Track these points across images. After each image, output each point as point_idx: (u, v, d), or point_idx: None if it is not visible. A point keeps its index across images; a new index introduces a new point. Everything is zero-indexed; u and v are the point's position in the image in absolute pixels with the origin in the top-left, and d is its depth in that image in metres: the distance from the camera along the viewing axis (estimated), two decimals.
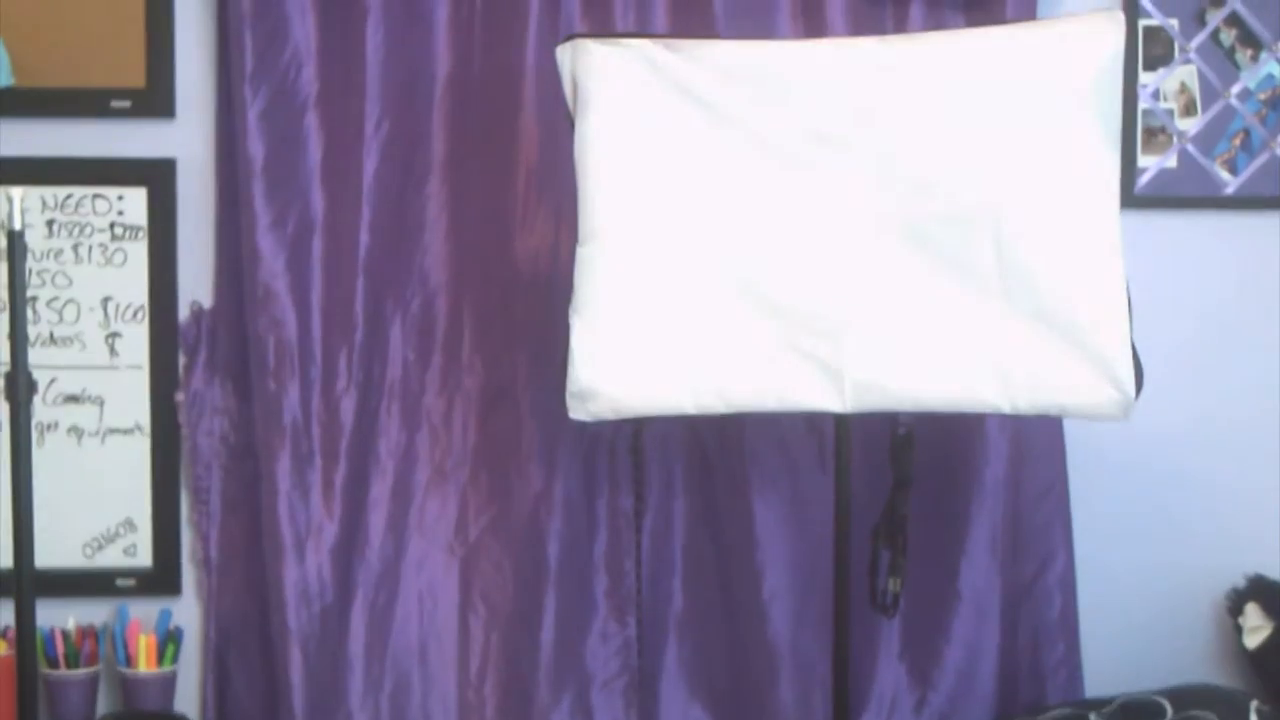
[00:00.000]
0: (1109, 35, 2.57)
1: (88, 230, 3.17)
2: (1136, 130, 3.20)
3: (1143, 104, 3.21)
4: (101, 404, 3.19)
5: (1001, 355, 2.56)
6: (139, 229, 3.17)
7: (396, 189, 3.13)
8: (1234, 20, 3.20)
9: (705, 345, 2.62)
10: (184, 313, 3.18)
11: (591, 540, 3.17)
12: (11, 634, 2.88)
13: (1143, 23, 3.19)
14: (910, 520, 2.89)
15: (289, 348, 3.10)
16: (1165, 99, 3.21)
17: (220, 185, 3.16)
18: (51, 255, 3.17)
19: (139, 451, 3.19)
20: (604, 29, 3.09)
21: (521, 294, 3.13)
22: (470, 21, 3.13)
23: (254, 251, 3.08)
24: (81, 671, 3.10)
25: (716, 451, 3.15)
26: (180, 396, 3.17)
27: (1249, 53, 3.21)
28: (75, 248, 3.17)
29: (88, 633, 3.13)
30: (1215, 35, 3.20)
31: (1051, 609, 3.17)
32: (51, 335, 3.17)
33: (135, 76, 3.15)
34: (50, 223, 3.17)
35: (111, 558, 3.21)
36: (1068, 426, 3.15)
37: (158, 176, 3.16)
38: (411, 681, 3.17)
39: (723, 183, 2.62)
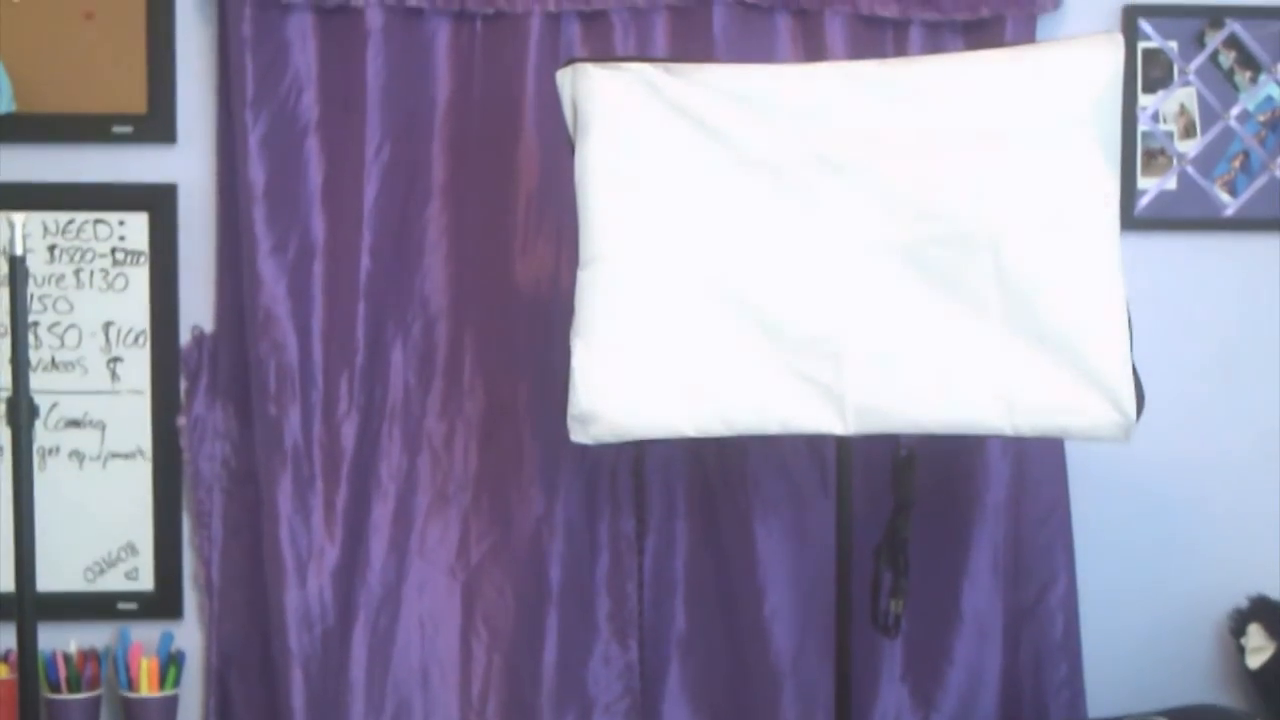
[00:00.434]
0: (1108, 58, 2.58)
1: (89, 255, 3.17)
2: (1136, 152, 3.21)
3: (1142, 126, 3.21)
4: (103, 428, 3.19)
5: (1002, 378, 2.56)
6: (140, 254, 3.18)
7: (397, 213, 3.14)
8: (1233, 42, 3.21)
9: (706, 368, 2.62)
10: (185, 337, 3.19)
11: (593, 563, 3.17)
12: (13, 657, 2.88)
13: (1142, 45, 3.20)
14: (912, 542, 2.89)
15: (290, 372, 3.10)
16: (1165, 121, 3.22)
17: (221, 210, 3.17)
18: (53, 280, 3.17)
19: (141, 476, 3.20)
20: (604, 53, 3.10)
21: (522, 317, 3.14)
22: (470, 46, 3.14)
23: (255, 276, 3.09)
24: (83, 695, 3.10)
25: (718, 474, 3.15)
26: (182, 421, 3.17)
27: (1248, 75, 3.22)
28: (77, 273, 3.17)
29: (89, 656, 3.13)
30: (1214, 57, 3.21)
31: (1054, 630, 3.17)
32: (53, 360, 3.17)
33: (137, 102, 3.16)
34: (52, 248, 3.17)
35: (113, 581, 3.20)
36: (1069, 448, 3.15)
37: (159, 202, 3.17)
38: (413, 705, 3.16)
39: (723, 206, 2.63)
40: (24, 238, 2.59)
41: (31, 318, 3.11)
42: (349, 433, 3.13)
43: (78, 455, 3.19)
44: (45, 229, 3.16)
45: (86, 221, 3.17)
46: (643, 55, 3.10)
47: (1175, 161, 3.22)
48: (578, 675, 3.16)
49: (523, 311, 3.13)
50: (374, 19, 3.09)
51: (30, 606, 2.61)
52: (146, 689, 3.11)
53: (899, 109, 2.59)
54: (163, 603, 3.21)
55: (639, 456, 3.06)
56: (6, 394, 2.62)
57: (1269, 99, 3.22)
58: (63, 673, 3.09)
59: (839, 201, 2.60)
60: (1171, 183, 3.23)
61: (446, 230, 3.16)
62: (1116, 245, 2.56)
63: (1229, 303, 3.25)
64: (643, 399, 2.62)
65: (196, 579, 3.21)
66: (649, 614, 3.17)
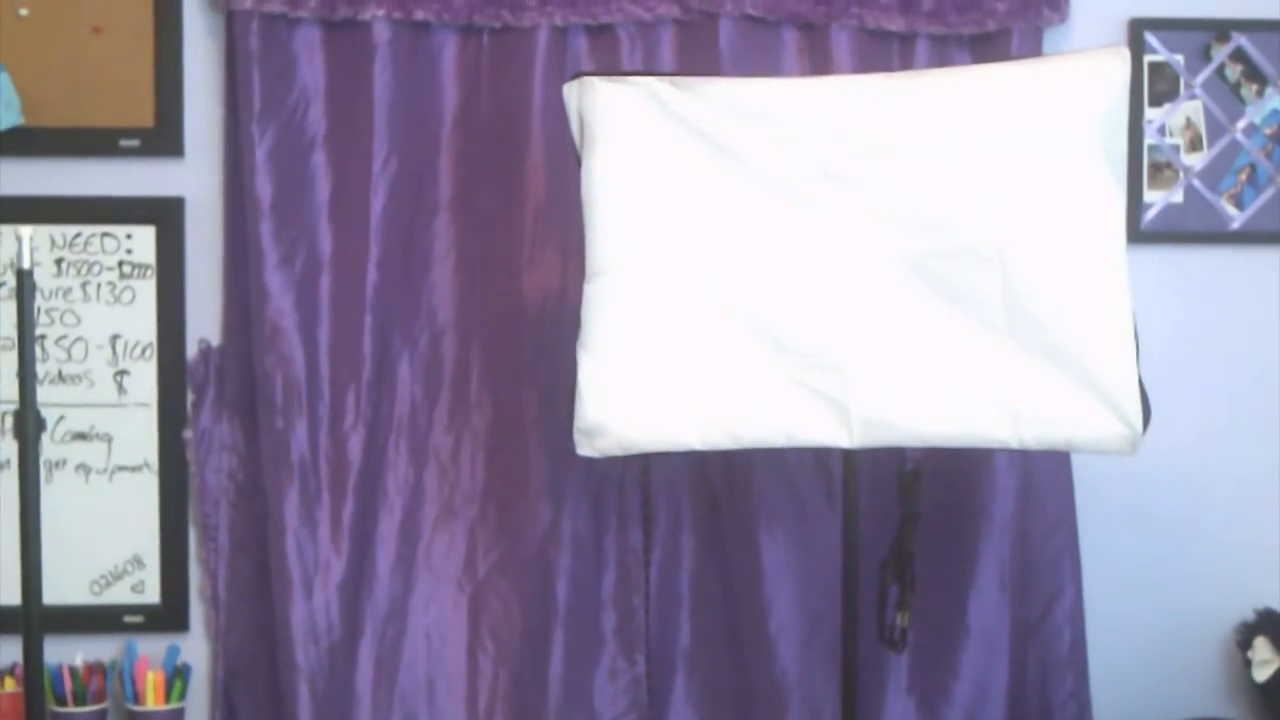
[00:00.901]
0: (1114, 71, 2.58)
1: (96, 269, 3.18)
2: (1143, 165, 3.21)
3: (1148, 139, 3.21)
4: (110, 441, 3.19)
5: (1009, 391, 2.56)
6: (147, 267, 3.18)
7: (404, 226, 3.14)
8: (1239, 56, 3.21)
9: (713, 381, 2.62)
10: (192, 350, 3.19)
11: (599, 577, 3.17)
12: (20, 671, 2.88)
13: (1148, 58, 3.20)
14: (918, 555, 2.89)
15: (297, 385, 3.11)
16: (1171, 134, 3.22)
17: (228, 223, 3.17)
18: (60, 294, 3.18)
19: (147, 489, 3.20)
20: (610, 67, 3.10)
21: (529, 330, 3.14)
22: (477, 60, 3.15)
23: (262, 289, 3.09)
24: (89, 708, 3.10)
25: (724, 487, 3.15)
26: (188, 434, 3.17)
27: (1254, 88, 3.22)
28: (84, 286, 3.18)
29: (95, 669, 3.13)
30: (1221, 71, 3.21)
31: (1060, 643, 3.16)
32: (60, 373, 3.18)
33: (144, 116, 3.16)
34: (59, 261, 3.18)
35: (119, 594, 3.20)
36: (1076, 461, 3.15)
37: (166, 215, 3.17)
38: (419, 718, 3.16)
39: (729, 219, 2.63)
40: (31, 251, 2.59)
41: (38, 331, 3.12)
42: (356, 446, 3.13)
43: (84, 468, 3.19)
44: (53, 242, 3.17)
45: (94, 235, 3.18)
46: (649, 69, 3.10)
47: (1181, 175, 3.22)
48: (584, 689, 3.15)
49: (529, 325, 3.14)
50: (381, 33, 3.10)
51: (36, 619, 2.61)
52: (152, 702, 3.11)
53: (905, 122, 2.60)
54: (169, 616, 3.21)
55: (646, 470, 3.06)
56: (13, 407, 2.62)
57: (1275, 112, 3.22)
58: (69, 686, 3.09)
59: (845, 214, 2.60)
60: (1178, 196, 3.23)
61: (453, 243, 3.16)
62: (1123, 258, 2.57)
63: (1235, 315, 3.25)
64: (649, 412, 2.62)
65: (203, 592, 3.21)
66: (655, 627, 3.16)
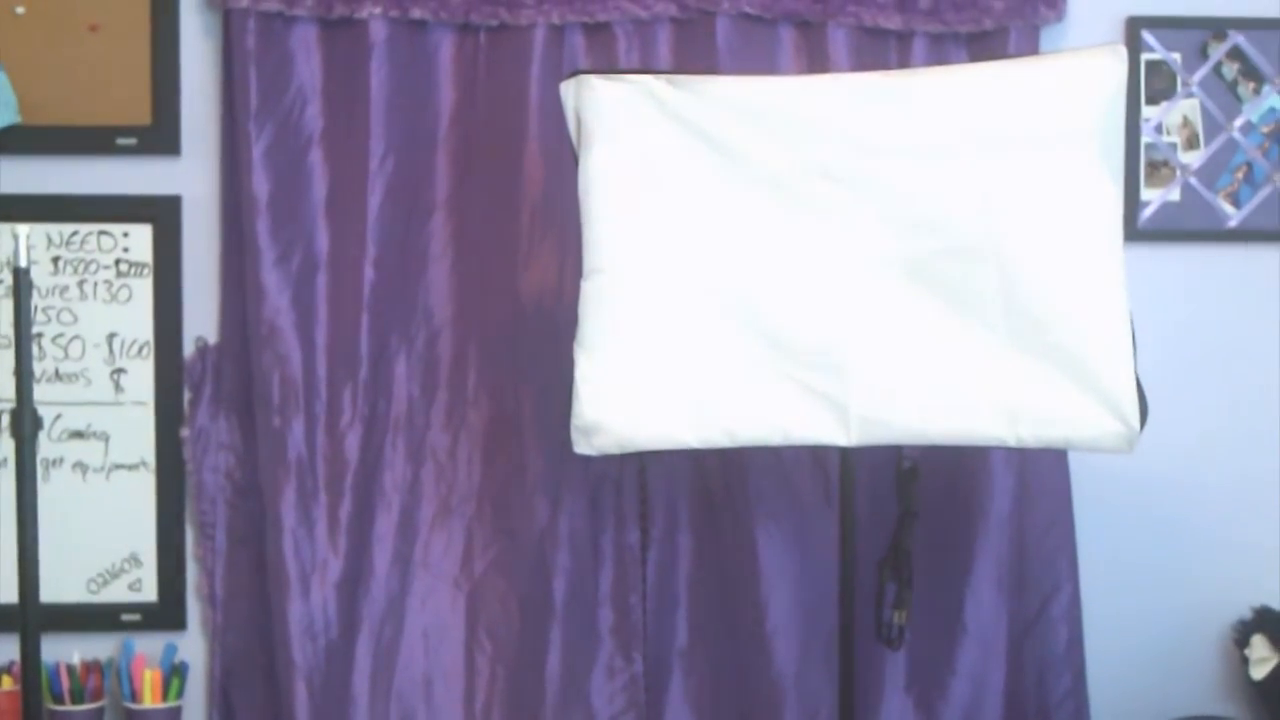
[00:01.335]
0: (1111, 69, 2.58)
1: (93, 267, 3.18)
2: (1139, 164, 3.21)
3: (1145, 138, 3.21)
4: (107, 440, 3.19)
5: (1006, 389, 2.56)
6: (144, 266, 3.18)
7: (401, 225, 3.14)
8: (1236, 54, 3.21)
9: (710, 380, 2.62)
10: (189, 349, 3.19)
11: (597, 575, 3.17)
12: (17, 669, 2.88)
13: (1145, 57, 3.20)
14: (915, 553, 2.89)
15: (294, 383, 3.11)
16: (1168, 133, 3.22)
17: (225, 222, 3.17)
18: (57, 292, 3.18)
19: (144, 487, 3.20)
20: (607, 65, 3.10)
21: (526, 329, 3.14)
22: (474, 58, 3.14)
23: (259, 288, 3.09)
24: (87, 707, 3.10)
25: (721, 485, 3.15)
26: (185, 432, 3.17)
27: (1251, 86, 3.22)
28: (81, 284, 3.18)
29: (93, 668, 3.13)
30: (1218, 69, 3.21)
31: (1057, 641, 3.16)
32: (57, 371, 3.18)
33: (141, 114, 3.16)
34: (56, 259, 3.18)
35: (117, 593, 3.20)
36: (1073, 459, 3.15)
37: (163, 213, 3.17)
38: (416, 717, 3.16)
39: (726, 217, 2.63)
40: (28, 249, 2.58)
41: (35, 329, 3.11)
42: (353, 444, 3.13)
43: (81, 467, 3.19)
44: (49, 240, 3.17)
45: (90, 233, 3.18)
46: (646, 67, 3.10)
47: (1178, 173, 3.22)
48: (581, 687, 3.15)
49: (526, 323, 3.14)
50: (378, 31, 3.10)
51: (34, 618, 2.61)
52: (150, 700, 3.11)
53: (902, 121, 2.60)
54: (166, 614, 3.21)
55: (643, 468, 3.06)
56: (10, 405, 2.61)
57: (1272, 110, 3.22)
58: (66, 684, 3.09)
59: (842, 213, 2.60)
60: (1175, 194, 3.23)
61: (450, 242, 3.16)
62: (1120, 257, 2.57)
63: (1232, 314, 3.25)
64: (646, 410, 2.63)
65: (200, 590, 3.21)
66: (652, 626, 3.16)
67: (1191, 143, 3.22)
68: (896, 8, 3.13)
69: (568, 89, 2.69)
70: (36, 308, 3.14)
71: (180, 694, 3.14)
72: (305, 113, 3.12)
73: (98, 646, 3.18)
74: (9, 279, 2.85)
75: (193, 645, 3.22)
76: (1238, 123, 3.22)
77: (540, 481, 3.14)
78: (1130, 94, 2.68)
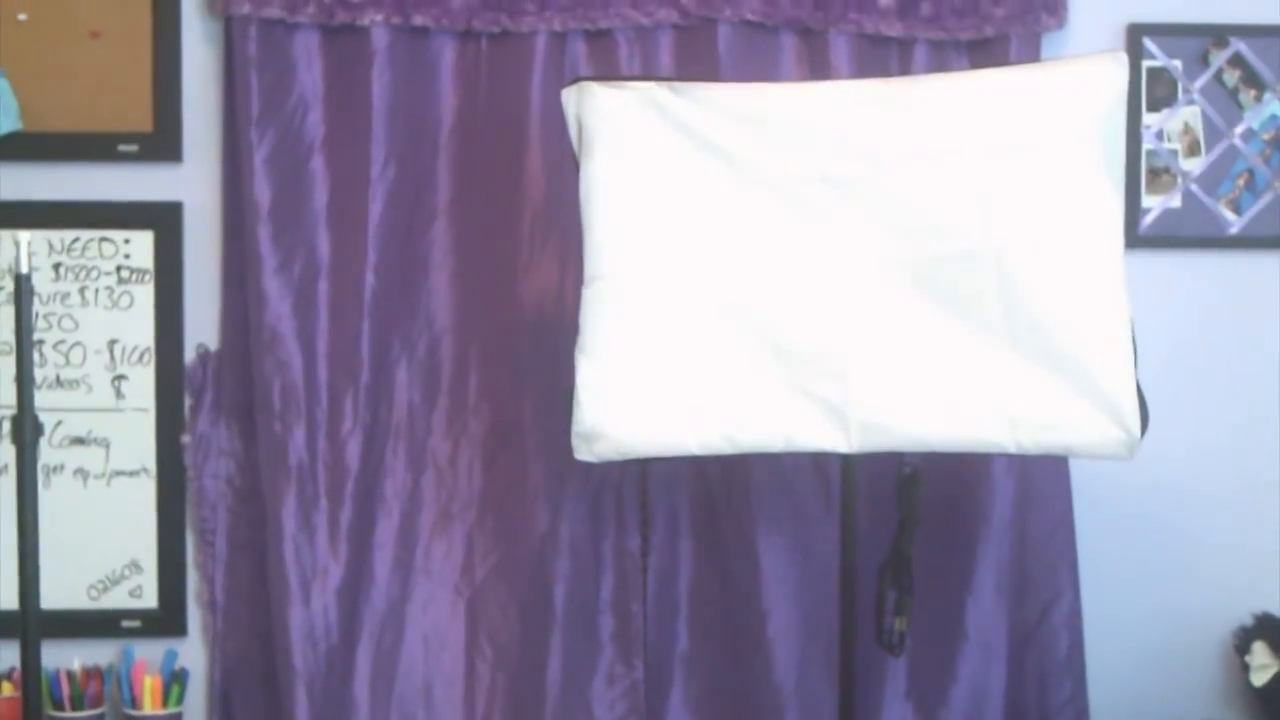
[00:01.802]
0: (1113, 76, 2.58)
1: (94, 273, 3.18)
2: (1140, 171, 3.21)
3: (1147, 145, 3.21)
4: (107, 446, 3.19)
5: (1007, 396, 2.57)
6: (145, 272, 3.18)
7: (402, 231, 3.14)
8: (1237, 61, 3.21)
9: (711, 386, 2.62)
10: (190, 355, 3.19)
11: (597, 581, 3.16)
12: (17, 675, 2.88)
13: (1146, 64, 3.20)
14: (916, 559, 2.89)
15: (295, 390, 3.11)
16: (1169, 140, 3.22)
17: (226, 228, 3.17)
18: (58, 298, 3.18)
19: (145, 493, 3.20)
20: (609, 72, 3.10)
21: (527, 335, 3.14)
22: (476, 65, 3.15)
23: (260, 294, 3.09)
24: (87, 713, 3.10)
25: (722, 492, 3.15)
26: (186, 439, 3.17)
27: (1252, 93, 3.22)
28: (82, 291, 3.18)
29: (93, 674, 3.13)
30: (1219, 76, 3.21)
31: (1058, 648, 3.16)
32: (58, 378, 3.18)
33: (142, 121, 3.16)
34: (57, 266, 3.18)
35: (117, 599, 3.20)
36: (1073, 466, 3.15)
37: (164, 220, 3.17)
38: None
39: (728, 224, 2.63)
40: (29, 256, 2.58)
41: (36, 335, 3.11)
42: (353, 450, 3.13)
43: (82, 473, 3.19)
44: (51, 247, 3.17)
45: (92, 240, 3.18)
46: (648, 74, 3.10)
47: (1180, 180, 3.22)
48: (582, 694, 3.15)
49: (527, 329, 3.14)
50: (379, 38, 3.10)
51: (34, 624, 2.61)
52: (150, 707, 3.10)
53: (904, 127, 2.60)
54: (167, 620, 3.21)
55: (643, 474, 3.06)
56: (11, 412, 2.61)
57: (1273, 117, 3.22)
58: (66, 691, 3.09)
59: (843, 219, 2.61)
60: (1176, 201, 3.23)
61: (451, 248, 3.16)
62: (1121, 263, 2.57)
63: (1233, 321, 3.25)
64: (647, 416, 2.63)
65: (200, 597, 3.21)
66: (653, 632, 3.16)
67: (1192, 150, 3.22)
68: (898, 15, 3.13)
69: (569, 95, 2.69)
70: (37, 314, 3.14)
71: (180, 700, 3.14)
72: (307, 119, 3.12)
73: (98, 653, 3.18)
74: (10, 285, 2.84)
75: (193, 652, 3.22)
76: (1239, 130, 3.22)
77: (541, 488, 3.14)
78: (1131, 101, 2.68)
